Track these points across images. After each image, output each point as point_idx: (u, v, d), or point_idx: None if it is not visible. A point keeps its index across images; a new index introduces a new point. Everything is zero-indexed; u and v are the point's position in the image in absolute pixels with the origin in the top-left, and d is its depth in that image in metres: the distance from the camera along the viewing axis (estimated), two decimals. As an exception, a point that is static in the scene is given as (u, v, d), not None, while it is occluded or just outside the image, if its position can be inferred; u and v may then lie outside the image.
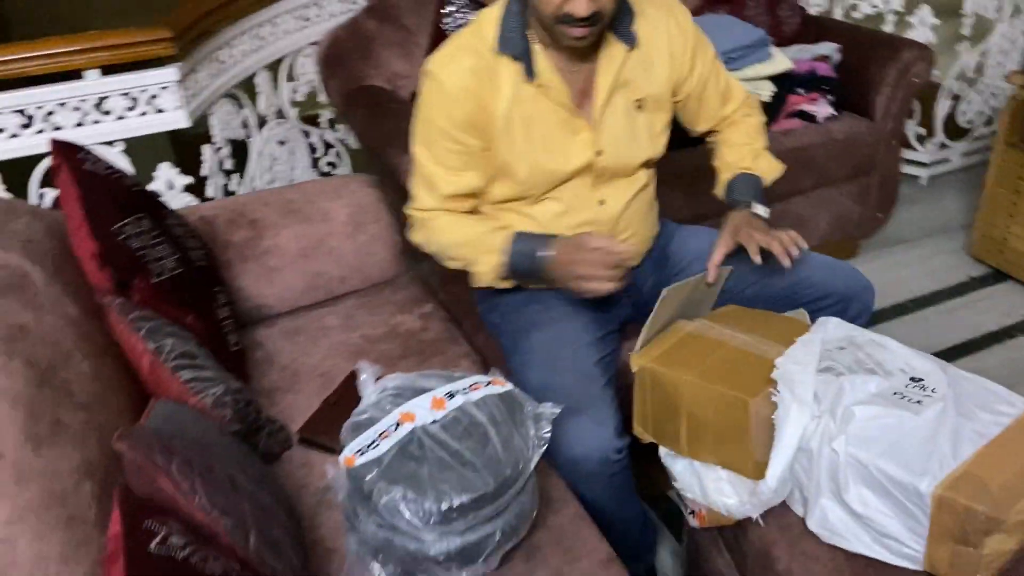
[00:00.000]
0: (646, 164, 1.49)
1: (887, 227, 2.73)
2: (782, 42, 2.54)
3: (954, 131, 3.00)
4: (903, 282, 2.47)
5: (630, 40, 1.38)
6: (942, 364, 1.20)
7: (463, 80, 1.33)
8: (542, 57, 1.34)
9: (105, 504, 0.90)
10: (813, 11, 2.93)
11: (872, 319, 2.29)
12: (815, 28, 2.61)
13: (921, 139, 2.97)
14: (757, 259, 1.35)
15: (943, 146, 2.99)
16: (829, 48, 2.42)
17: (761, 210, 1.45)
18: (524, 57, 1.33)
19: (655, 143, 1.47)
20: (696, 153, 1.66)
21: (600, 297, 1.42)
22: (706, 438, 1.23)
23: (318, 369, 1.52)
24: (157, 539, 0.83)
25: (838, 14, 2.92)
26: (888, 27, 2.86)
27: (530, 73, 1.34)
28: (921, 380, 1.16)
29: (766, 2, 2.57)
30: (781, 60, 2.27)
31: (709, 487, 1.20)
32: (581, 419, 1.29)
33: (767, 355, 1.21)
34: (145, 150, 1.95)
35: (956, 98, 2.95)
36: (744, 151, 1.53)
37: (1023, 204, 2.34)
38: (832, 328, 1.29)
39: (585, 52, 1.35)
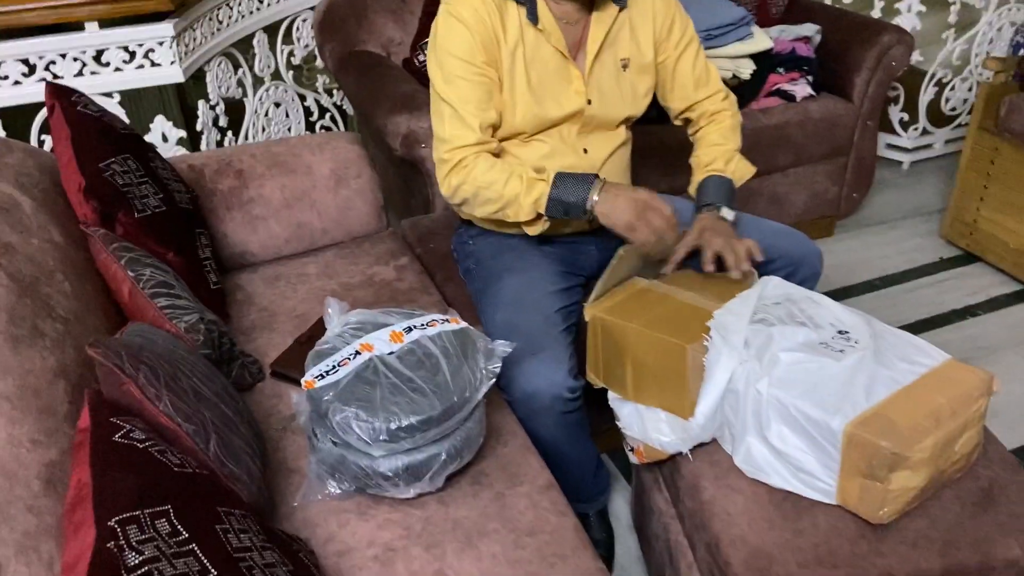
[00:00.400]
0: (627, 120, 1.58)
1: (865, 209, 2.80)
2: (769, 23, 2.61)
3: (938, 118, 3.05)
4: (875, 261, 2.54)
5: (621, 2, 1.47)
6: (869, 319, 1.28)
7: (477, 11, 1.41)
8: (542, 5, 1.44)
9: (77, 403, 0.99)
10: (804, -5, 2.99)
11: (841, 294, 2.38)
12: (801, 10, 2.66)
13: (905, 125, 3.02)
14: (709, 268, 1.43)
15: (926, 132, 3.04)
16: (811, 29, 2.48)
17: (728, 214, 1.52)
18: (528, 2, 1.42)
19: (637, 103, 1.57)
20: (676, 129, 1.73)
21: (569, 251, 1.56)
22: (648, 382, 1.32)
23: (295, 311, 1.61)
24: (121, 432, 0.91)
25: (828, -1, 2.98)
26: (876, 13, 2.91)
27: (533, 18, 1.43)
28: (847, 332, 1.23)
29: (754, -18, 2.62)
30: (762, 39, 2.33)
31: (648, 426, 1.29)
32: (538, 357, 1.37)
33: (708, 308, 1.29)
34: (142, 102, 2.03)
35: (942, 85, 3.00)
36: (718, 152, 1.59)
37: (993, 187, 2.40)
38: (772, 286, 1.36)
39: (581, 6, 1.45)
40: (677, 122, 1.69)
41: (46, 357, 0.99)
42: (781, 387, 1.15)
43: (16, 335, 0.97)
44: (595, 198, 1.38)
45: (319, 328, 1.49)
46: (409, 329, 1.24)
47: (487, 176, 1.42)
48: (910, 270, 2.50)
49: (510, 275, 1.52)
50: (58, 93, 1.43)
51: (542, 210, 1.42)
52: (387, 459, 1.13)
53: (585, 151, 1.55)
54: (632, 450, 1.37)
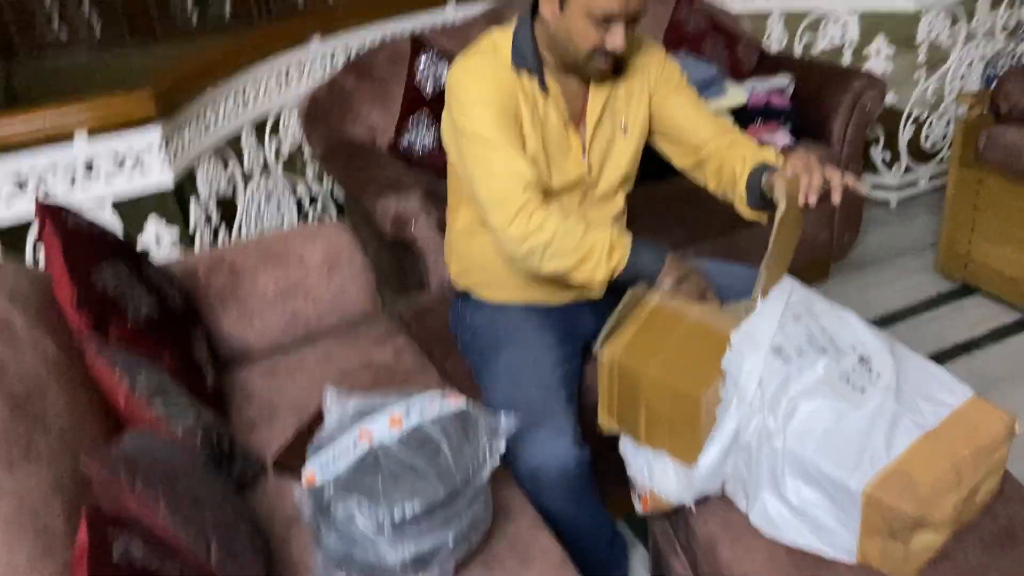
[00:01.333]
0: (624, 182, 1.59)
1: (858, 249, 2.81)
2: (741, 77, 2.66)
3: (920, 155, 3.09)
4: (874, 300, 2.54)
5: (618, 70, 1.50)
6: (892, 344, 1.23)
7: (497, 73, 1.42)
8: (549, 76, 1.46)
9: (74, 519, 0.98)
10: (774, 49, 3.07)
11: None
12: (772, 64, 2.72)
13: (888, 164, 3.06)
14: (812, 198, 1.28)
15: (909, 169, 3.08)
16: (783, 81, 2.53)
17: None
18: (538, 71, 1.44)
19: (632, 164, 1.58)
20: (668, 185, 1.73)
21: (565, 318, 1.57)
22: (662, 428, 1.28)
23: (294, 402, 1.60)
24: (119, 549, 0.90)
25: (797, 50, 3.05)
26: (846, 59, 2.97)
27: (543, 86, 1.45)
28: (869, 361, 1.19)
29: (724, 41, 2.69)
30: (737, 94, 2.38)
31: (656, 474, 1.26)
32: (540, 430, 1.36)
33: (723, 329, 1.24)
34: (134, 207, 2.06)
35: (919, 123, 3.05)
36: (756, 152, 1.49)
37: (982, 219, 2.41)
38: (795, 296, 1.28)
39: (580, 80, 1.48)
40: (685, 162, 1.60)
41: (42, 474, 0.98)
42: (798, 440, 1.12)
43: (11, 457, 0.97)
44: (666, 280, 1.36)
45: (319, 417, 1.49)
46: (408, 412, 1.23)
47: (564, 225, 1.35)
48: (909, 307, 2.50)
49: (508, 347, 1.52)
50: (48, 210, 1.45)
51: (615, 276, 1.37)
52: (393, 550, 1.11)
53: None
54: (639, 498, 1.35)
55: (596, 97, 1.50)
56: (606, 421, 1.39)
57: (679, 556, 1.35)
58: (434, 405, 1.25)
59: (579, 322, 1.61)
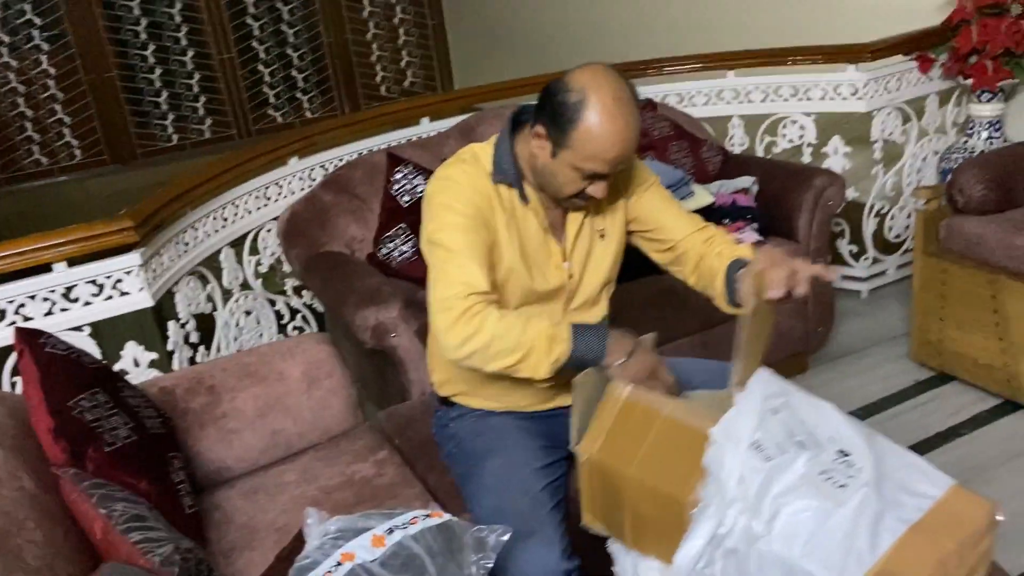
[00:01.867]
0: (606, 286, 1.62)
1: (834, 341, 2.84)
2: (707, 179, 2.76)
3: (886, 246, 3.18)
4: (853, 391, 2.56)
5: None
6: (870, 435, 1.24)
7: (475, 182, 1.45)
8: (528, 188, 1.50)
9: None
10: (737, 150, 3.19)
11: (825, 430, 2.36)
12: (736, 165, 2.83)
13: (855, 256, 3.14)
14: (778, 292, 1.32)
15: (876, 260, 3.16)
16: (747, 181, 2.63)
17: None
18: (518, 185, 1.48)
19: (613, 268, 1.62)
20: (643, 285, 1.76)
21: (549, 425, 1.57)
22: (648, 532, 1.27)
23: (275, 524, 1.57)
24: None
25: (759, 151, 3.17)
26: (806, 158, 3.10)
27: (523, 199, 1.49)
28: (849, 456, 1.19)
29: (688, 145, 2.80)
30: (703, 195, 2.46)
31: (640, 571, 1.24)
32: (530, 542, 1.34)
33: (701, 427, 1.23)
34: (112, 330, 2.06)
35: (882, 216, 3.15)
36: (735, 250, 1.56)
37: (949, 307, 2.47)
38: (772, 385, 1.28)
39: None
40: (662, 261, 1.65)
41: (14, 616, 0.95)
42: (784, 543, 1.11)
43: (-18, 597, 0.94)
44: (612, 360, 1.36)
45: (300, 540, 1.46)
46: (391, 531, 1.21)
47: (501, 324, 1.35)
48: (888, 396, 2.52)
49: (492, 456, 1.51)
50: (26, 336, 1.46)
51: (559, 367, 1.37)
52: (379, 678, 1.08)
53: None
54: None
55: (575, 210, 1.54)
56: (590, 520, 1.37)
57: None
58: (417, 522, 1.23)
59: (563, 428, 1.60)
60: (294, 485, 1.68)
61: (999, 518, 1.14)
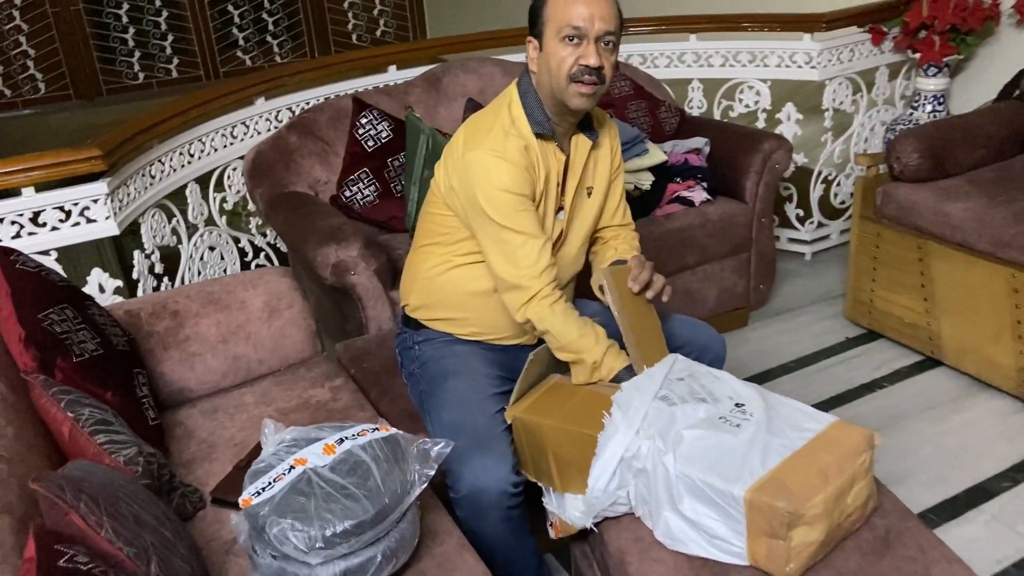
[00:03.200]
0: (585, 242, 1.74)
1: (775, 299, 3.00)
2: (663, 139, 2.87)
3: (831, 211, 3.33)
4: (788, 346, 2.71)
5: (593, 138, 1.65)
6: (763, 392, 1.41)
7: (520, 156, 1.53)
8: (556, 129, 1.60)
9: (22, 537, 1.04)
10: (695, 112, 3.30)
11: (759, 378, 2.53)
12: (691, 126, 2.94)
13: (801, 220, 3.28)
14: (635, 286, 1.59)
15: (821, 225, 3.31)
16: (700, 142, 2.74)
17: None
18: (554, 133, 1.59)
19: (593, 225, 1.74)
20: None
21: (508, 357, 1.71)
22: (572, 472, 1.42)
23: (233, 440, 1.67)
24: (65, 558, 0.97)
25: (716, 115, 3.28)
26: (760, 123, 3.21)
27: (561, 148, 1.60)
28: (743, 405, 1.36)
29: (647, 105, 2.90)
30: (656, 153, 2.56)
31: (567, 504, 1.38)
32: (484, 455, 1.47)
33: (615, 392, 1.41)
34: (78, 257, 2.13)
35: (829, 183, 3.29)
36: (621, 249, 1.76)
37: (881, 269, 2.62)
38: (678, 365, 1.49)
39: (566, 136, 1.62)
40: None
41: (-9, 496, 1.05)
42: (687, 463, 1.26)
43: (-39, 477, 1.03)
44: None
45: (257, 453, 1.56)
46: (341, 440, 1.32)
47: (561, 324, 1.53)
48: (820, 351, 2.68)
49: (455, 378, 1.63)
50: (-2, 253, 1.53)
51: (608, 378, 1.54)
52: (325, 566, 1.19)
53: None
54: (551, 524, 1.46)
55: (577, 157, 1.64)
56: (526, 474, 1.52)
57: (594, 571, 1.45)
58: (366, 433, 1.34)
59: (519, 363, 1.72)
60: (252, 406, 1.78)
61: (876, 443, 1.29)
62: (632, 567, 1.29)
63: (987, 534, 1.91)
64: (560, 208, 1.65)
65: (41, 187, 2.02)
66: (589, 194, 1.70)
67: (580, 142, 1.64)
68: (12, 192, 2.01)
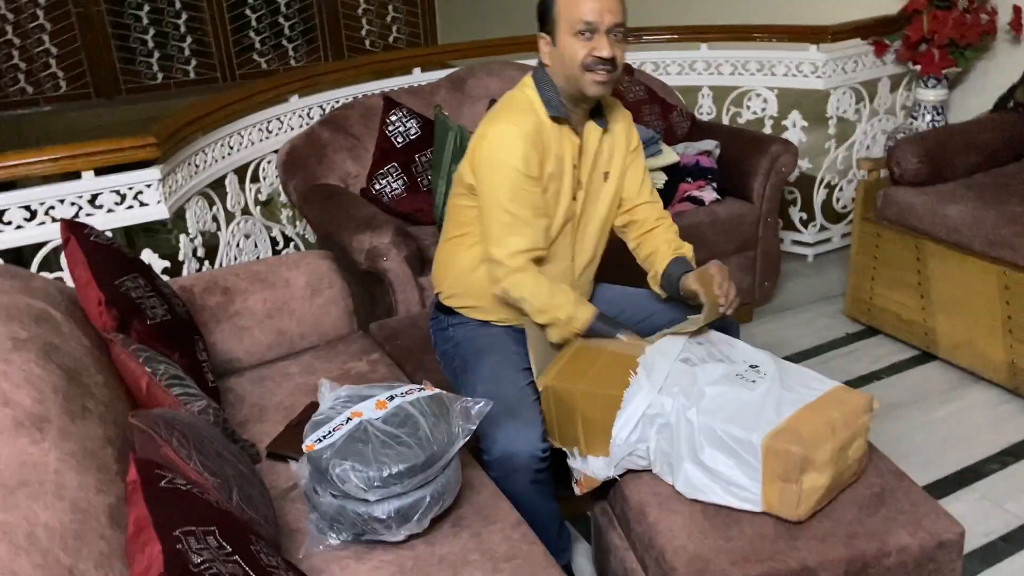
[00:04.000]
0: (604, 224, 1.86)
1: (778, 297, 3.14)
2: (675, 141, 3.02)
3: (833, 215, 3.48)
4: (791, 340, 2.86)
5: (603, 125, 1.79)
6: (774, 356, 1.56)
7: (528, 131, 1.65)
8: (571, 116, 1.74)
9: (123, 464, 1.19)
10: (705, 118, 3.45)
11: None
12: (702, 130, 3.10)
13: (804, 223, 3.43)
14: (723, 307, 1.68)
15: (823, 228, 3.46)
16: (710, 144, 2.89)
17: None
18: (568, 117, 1.71)
19: (611, 209, 1.87)
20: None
21: None
22: (597, 432, 1.56)
23: (282, 404, 1.81)
24: (165, 479, 1.11)
25: (725, 120, 3.44)
26: (767, 130, 3.36)
27: (575, 131, 1.74)
28: (757, 367, 1.51)
29: (660, 110, 3.06)
30: (669, 154, 2.72)
31: (589, 461, 1.53)
32: (516, 423, 1.61)
33: (639, 353, 1.55)
34: (130, 240, 2.27)
35: (831, 188, 3.45)
36: (682, 248, 1.86)
37: (880, 268, 2.77)
38: (692, 336, 1.64)
39: (580, 123, 1.75)
40: (618, 222, 1.91)
41: (95, 428, 1.19)
42: (708, 415, 1.40)
43: (72, 410, 1.18)
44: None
45: (307, 413, 1.70)
46: (391, 397, 1.46)
47: (537, 294, 1.69)
48: (821, 345, 2.82)
49: (488, 355, 1.78)
50: (72, 227, 1.67)
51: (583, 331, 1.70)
52: (381, 504, 1.33)
53: (572, 259, 1.84)
54: (576, 482, 1.60)
55: (589, 145, 1.77)
56: (552, 441, 1.66)
57: (615, 526, 1.59)
58: (413, 392, 1.49)
59: None
60: (297, 376, 1.93)
61: (874, 406, 1.44)
62: (651, 517, 1.43)
63: (976, 510, 2.05)
64: (576, 192, 1.78)
65: (100, 171, 2.17)
66: (606, 178, 1.82)
67: (591, 129, 1.78)
68: (73, 175, 2.15)
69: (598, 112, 1.79)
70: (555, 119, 1.70)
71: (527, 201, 1.67)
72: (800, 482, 1.34)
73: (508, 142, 1.65)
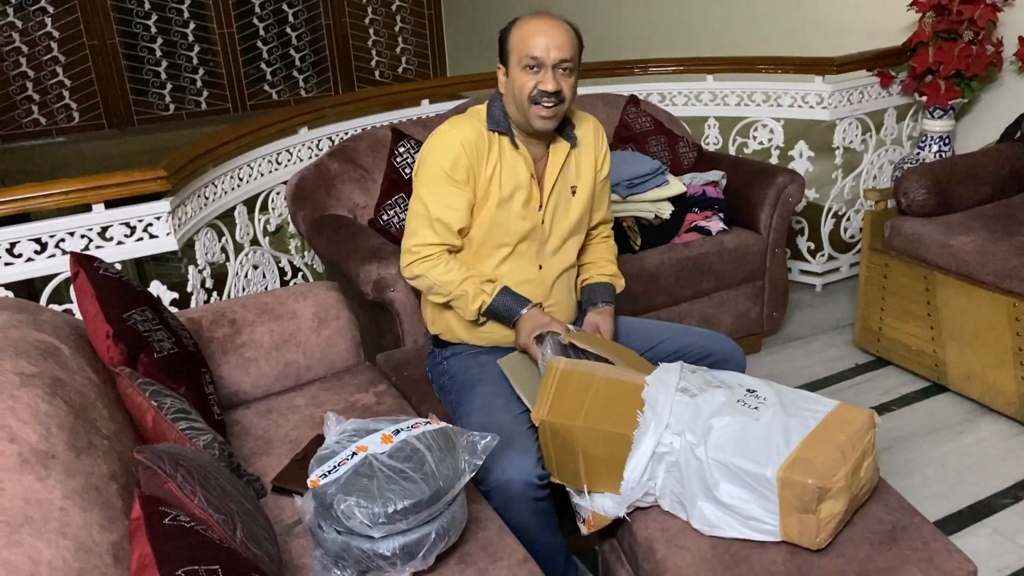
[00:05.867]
0: (572, 234, 1.91)
1: (787, 327, 3.13)
2: (681, 171, 3.03)
3: (841, 245, 3.48)
4: (800, 370, 2.84)
5: (572, 141, 1.86)
6: (767, 381, 1.56)
7: (467, 137, 1.76)
8: (518, 137, 1.82)
9: (127, 500, 1.18)
10: (711, 148, 3.47)
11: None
12: (708, 160, 3.11)
13: (812, 252, 3.43)
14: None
15: (831, 258, 3.45)
16: (717, 175, 2.90)
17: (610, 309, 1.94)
18: (509, 132, 1.80)
19: (580, 221, 1.92)
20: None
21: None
22: (600, 471, 1.54)
23: (288, 437, 1.81)
24: (169, 517, 1.10)
25: (731, 150, 3.45)
26: (773, 160, 3.38)
27: (515, 144, 1.81)
28: (755, 391, 1.51)
29: (666, 140, 3.07)
30: (676, 185, 2.73)
31: (596, 499, 1.51)
32: (510, 451, 1.60)
33: (634, 379, 1.55)
34: (138, 272, 2.28)
35: (839, 218, 3.44)
36: (611, 268, 2.02)
37: (889, 299, 2.76)
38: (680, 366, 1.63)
39: (540, 142, 1.83)
40: None
41: (100, 464, 1.19)
42: (718, 450, 1.39)
43: (77, 446, 1.18)
44: (523, 312, 1.78)
45: (313, 447, 1.70)
46: (397, 431, 1.46)
47: (443, 277, 1.79)
48: (829, 376, 2.81)
49: (481, 385, 1.78)
50: (81, 260, 1.68)
51: (483, 312, 1.80)
52: (386, 540, 1.32)
53: (540, 267, 1.87)
54: (583, 521, 1.58)
55: (554, 161, 1.85)
56: (552, 475, 1.64)
57: (623, 563, 1.57)
58: (419, 426, 1.48)
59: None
60: (303, 408, 1.92)
61: (876, 422, 1.44)
62: (659, 554, 1.42)
63: (989, 545, 2.02)
64: (541, 205, 1.84)
65: (110, 204, 2.19)
66: (574, 192, 1.89)
67: (559, 146, 1.85)
68: (84, 208, 2.17)
69: (567, 127, 1.86)
70: (494, 131, 1.79)
71: (445, 201, 1.76)
72: (818, 512, 1.33)
73: (444, 142, 1.76)
